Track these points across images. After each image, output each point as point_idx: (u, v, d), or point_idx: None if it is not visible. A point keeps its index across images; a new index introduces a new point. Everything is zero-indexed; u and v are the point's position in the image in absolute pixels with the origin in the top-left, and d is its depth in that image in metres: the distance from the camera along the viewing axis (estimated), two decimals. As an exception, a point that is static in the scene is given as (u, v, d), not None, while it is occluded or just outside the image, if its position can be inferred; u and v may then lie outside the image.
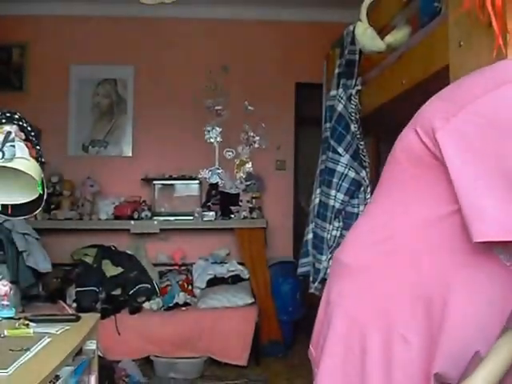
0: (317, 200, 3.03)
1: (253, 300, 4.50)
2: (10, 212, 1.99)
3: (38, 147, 1.97)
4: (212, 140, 5.11)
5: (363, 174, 2.81)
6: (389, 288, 1.01)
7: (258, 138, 5.14)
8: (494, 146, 0.83)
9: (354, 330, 1.04)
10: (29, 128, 1.96)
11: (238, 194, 5.07)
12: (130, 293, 4.39)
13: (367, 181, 2.82)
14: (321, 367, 1.09)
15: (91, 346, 2.18)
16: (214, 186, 5.05)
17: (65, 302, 3.93)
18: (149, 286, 4.46)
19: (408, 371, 0.97)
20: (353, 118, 2.80)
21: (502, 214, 0.82)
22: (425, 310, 0.96)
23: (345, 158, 2.81)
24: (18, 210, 2.00)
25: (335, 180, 2.82)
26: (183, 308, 4.41)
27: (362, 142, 2.83)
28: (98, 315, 2.37)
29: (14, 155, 1.81)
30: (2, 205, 1.98)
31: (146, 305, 4.38)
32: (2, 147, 1.79)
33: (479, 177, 0.83)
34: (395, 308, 1.00)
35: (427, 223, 0.96)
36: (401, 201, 1.00)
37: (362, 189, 2.83)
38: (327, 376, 1.06)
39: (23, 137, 1.92)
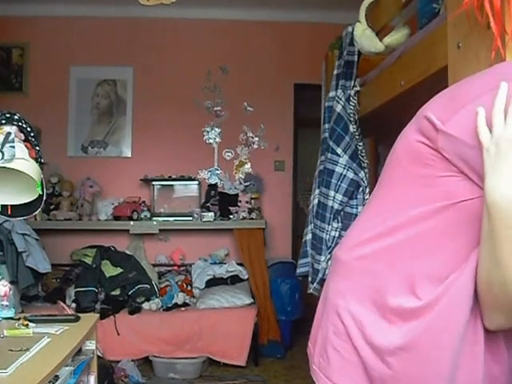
0: (316, 201, 3.03)
1: (252, 300, 4.51)
2: (9, 212, 2.00)
3: (37, 148, 1.98)
4: (211, 141, 5.12)
5: (362, 174, 2.82)
6: (388, 285, 1.02)
7: (257, 138, 5.15)
8: None
9: (352, 326, 1.05)
10: (28, 129, 1.97)
11: (237, 195, 5.09)
12: (130, 293, 4.40)
13: (366, 181, 2.82)
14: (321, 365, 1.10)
15: (90, 346, 2.19)
16: (213, 186, 5.06)
17: (64, 302, 3.93)
18: (148, 287, 4.47)
19: None
20: (351, 118, 2.80)
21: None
22: None
23: (343, 159, 2.81)
24: (17, 210, 2.00)
25: (334, 181, 2.83)
26: (182, 308, 4.41)
27: (360, 143, 2.83)
28: (98, 315, 2.37)
29: (14, 156, 1.82)
30: (2, 205, 1.98)
31: (146, 305, 4.38)
32: (2, 148, 1.79)
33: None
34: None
35: (428, 219, 0.97)
36: (401, 199, 1.01)
37: (361, 189, 2.83)
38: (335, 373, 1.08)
39: (23, 137, 1.93)
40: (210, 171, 5.08)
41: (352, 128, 2.81)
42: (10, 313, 2.16)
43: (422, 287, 0.97)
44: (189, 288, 4.71)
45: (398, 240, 1.01)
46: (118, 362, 3.90)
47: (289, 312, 4.70)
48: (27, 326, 1.96)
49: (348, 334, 1.05)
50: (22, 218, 2.13)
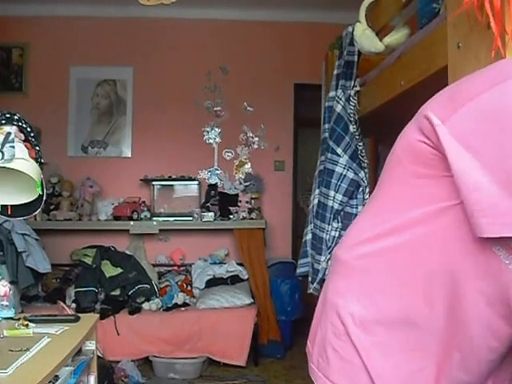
0: (316, 201, 3.03)
1: (252, 300, 4.51)
2: (9, 213, 1.99)
3: (37, 148, 1.98)
4: (211, 141, 5.12)
5: (362, 174, 2.81)
6: (388, 284, 1.02)
7: (257, 138, 5.15)
8: (494, 142, 0.84)
9: (352, 326, 1.05)
10: (28, 129, 1.97)
11: (237, 195, 5.08)
12: (130, 293, 4.40)
13: (366, 181, 2.82)
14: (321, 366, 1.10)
15: (90, 346, 2.19)
16: (213, 186, 5.06)
17: (64, 302, 3.93)
18: (148, 287, 4.46)
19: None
20: (351, 118, 2.80)
21: (503, 211, 0.83)
22: (426, 305, 0.97)
23: (343, 159, 2.81)
24: (17, 210, 2.00)
25: (334, 181, 2.82)
26: (182, 308, 4.41)
27: (360, 143, 2.83)
28: (98, 316, 2.37)
29: (14, 156, 1.81)
30: (2, 205, 1.98)
31: (146, 305, 4.38)
32: (2, 148, 1.79)
33: (481, 173, 0.84)
34: (393, 304, 1.01)
35: (429, 220, 0.96)
36: (401, 200, 1.01)
37: (361, 189, 2.83)
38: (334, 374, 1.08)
39: (23, 138, 1.92)
40: (210, 171, 5.08)
41: (352, 128, 2.81)
42: (10, 313, 2.16)
43: None
44: (189, 288, 4.71)
45: (397, 241, 1.01)
46: (118, 362, 3.90)
47: (289, 312, 4.70)
48: (27, 326, 1.96)
49: (348, 334, 1.05)
50: (22, 218, 2.13)
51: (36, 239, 3.92)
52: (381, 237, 1.03)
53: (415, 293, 0.99)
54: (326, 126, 3.00)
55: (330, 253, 2.84)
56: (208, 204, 4.97)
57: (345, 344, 1.05)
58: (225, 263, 4.95)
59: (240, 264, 4.86)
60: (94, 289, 4.32)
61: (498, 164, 0.84)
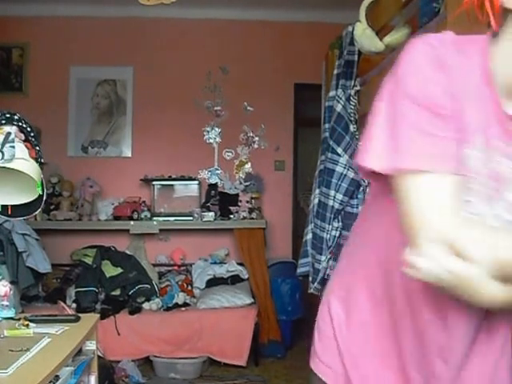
0: (316, 200, 3.04)
1: (252, 300, 4.51)
2: (9, 213, 1.99)
3: (37, 148, 1.97)
4: (211, 140, 5.12)
5: (362, 174, 2.82)
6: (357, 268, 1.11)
7: (257, 138, 5.15)
8: (389, 95, 0.97)
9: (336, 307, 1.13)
10: (28, 129, 1.97)
11: (237, 195, 5.08)
12: (130, 293, 4.40)
13: (366, 181, 2.82)
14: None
15: (91, 346, 2.18)
16: (214, 186, 5.06)
17: (64, 302, 3.93)
18: (148, 287, 4.46)
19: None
20: (352, 118, 2.81)
21: (379, 146, 0.93)
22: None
23: (344, 159, 2.81)
24: (17, 210, 2.00)
25: (334, 180, 2.83)
26: (183, 308, 4.41)
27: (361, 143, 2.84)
28: (98, 316, 2.36)
29: (14, 156, 1.81)
30: (2, 205, 1.98)
31: (146, 305, 4.38)
32: (2, 148, 1.79)
33: (378, 126, 0.96)
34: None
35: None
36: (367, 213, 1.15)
37: (361, 189, 2.83)
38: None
39: (23, 137, 1.92)
40: (210, 171, 5.08)
41: (352, 127, 2.81)
42: (11, 313, 2.15)
43: None
44: (189, 288, 4.71)
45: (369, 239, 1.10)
46: (119, 362, 3.90)
47: (289, 312, 4.70)
48: (27, 326, 1.96)
49: (330, 315, 1.12)
50: (22, 218, 2.13)
51: (36, 239, 3.92)
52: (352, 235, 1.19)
53: (375, 268, 1.07)
54: (327, 125, 3.01)
55: (330, 252, 2.84)
56: (208, 204, 4.97)
57: (327, 325, 1.13)
58: (225, 263, 4.95)
59: (240, 264, 4.86)
60: (94, 289, 4.32)
61: (388, 111, 0.95)
